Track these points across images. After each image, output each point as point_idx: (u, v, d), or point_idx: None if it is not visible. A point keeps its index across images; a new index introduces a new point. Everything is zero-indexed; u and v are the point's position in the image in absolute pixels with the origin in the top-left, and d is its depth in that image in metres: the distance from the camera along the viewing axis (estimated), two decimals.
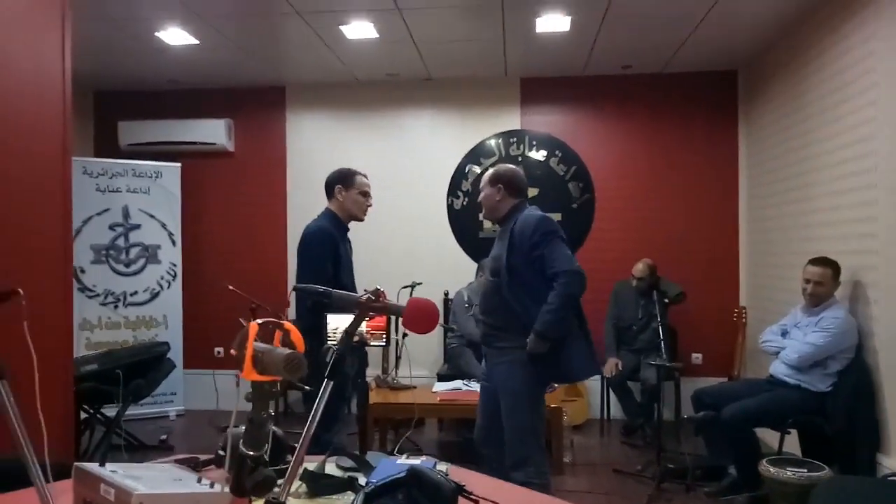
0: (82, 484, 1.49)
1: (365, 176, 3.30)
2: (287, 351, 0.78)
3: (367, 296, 1.26)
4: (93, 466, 1.49)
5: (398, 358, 5.03)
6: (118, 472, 1.47)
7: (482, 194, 3.04)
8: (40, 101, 2.46)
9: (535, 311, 2.77)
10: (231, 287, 4.89)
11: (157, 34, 4.57)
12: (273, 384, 0.79)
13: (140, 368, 4.49)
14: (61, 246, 2.56)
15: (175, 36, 4.61)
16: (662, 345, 4.28)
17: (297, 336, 0.83)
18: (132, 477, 1.45)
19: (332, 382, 1.16)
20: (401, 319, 1.33)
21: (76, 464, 1.50)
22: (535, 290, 2.81)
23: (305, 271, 3.00)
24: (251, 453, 0.80)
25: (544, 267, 2.80)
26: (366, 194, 3.26)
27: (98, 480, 1.45)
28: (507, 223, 2.96)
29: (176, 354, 5.32)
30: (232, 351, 0.81)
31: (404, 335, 4.84)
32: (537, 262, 2.81)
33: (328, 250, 3.01)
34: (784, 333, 3.83)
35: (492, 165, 5.77)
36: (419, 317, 1.30)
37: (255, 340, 0.78)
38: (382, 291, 1.28)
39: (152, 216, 5.74)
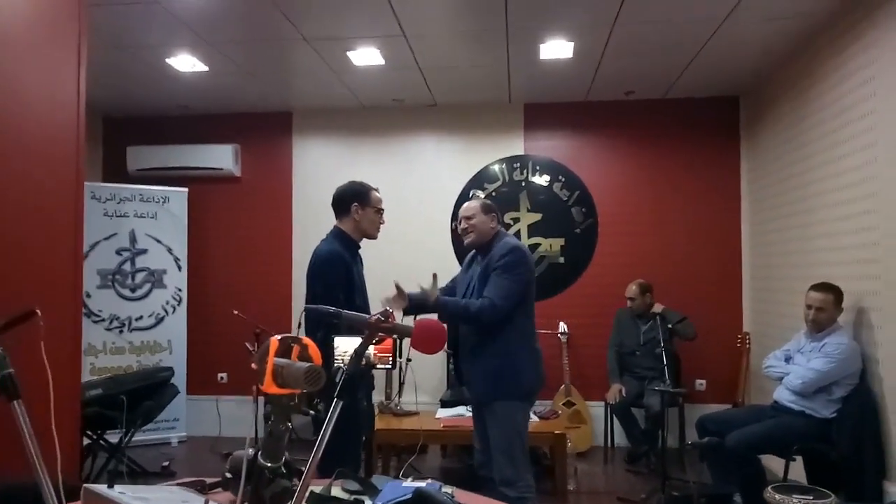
0: None
1: (377, 190, 3.14)
2: (307, 364, 0.80)
3: (376, 316, 1.28)
4: (101, 488, 1.50)
5: (402, 384, 5.03)
6: (126, 494, 1.48)
7: (474, 220, 3.10)
8: (55, 127, 2.50)
9: (508, 328, 2.93)
10: (236, 312, 4.91)
11: (167, 61, 4.66)
12: (291, 398, 0.81)
13: (144, 394, 4.49)
14: (72, 271, 2.58)
15: (185, 63, 4.70)
16: (666, 370, 4.27)
17: (314, 350, 0.85)
18: (140, 499, 1.47)
19: (341, 402, 1.17)
20: (409, 340, 1.35)
21: (85, 485, 1.51)
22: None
23: (315, 296, 2.82)
24: (269, 465, 0.81)
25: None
26: (381, 211, 3.09)
27: (107, 502, 1.46)
28: (487, 247, 3.09)
29: (179, 380, 5.30)
30: (252, 365, 0.83)
31: (408, 360, 4.84)
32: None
33: (340, 275, 2.85)
34: (787, 359, 3.83)
35: (495, 190, 5.87)
36: (428, 337, 1.32)
37: (275, 356, 0.81)
38: (392, 313, 1.30)
39: (159, 241, 5.77)
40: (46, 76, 2.48)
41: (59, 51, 2.53)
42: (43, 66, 2.46)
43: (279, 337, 0.84)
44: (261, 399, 3.86)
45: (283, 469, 0.82)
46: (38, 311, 1.23)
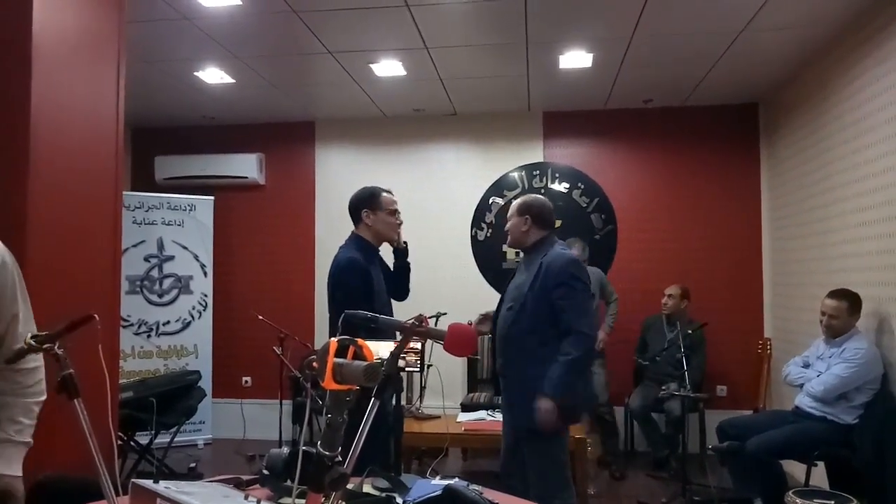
0: (138, 499, 1.59)
1: (389, 192, 3.06)
2: (365, 362, 0.88)
3: (411, 321, 1.36)
4: (148, 483, 1.59)
5: (423, 387, 5.10)
6: (171, 489, 1.57)
7: (509, 223, 2.97)
8: (96, 141, 2.61)
9: (542, 349, 2.75)
10: (260, 317, 5.02)
11: (195, 74, 4.80)
12: (348, 393, 0.90)
13: (173, 397, 4.61)
14: (110, 278, 2.69)
15: (212, 75, 4.83)
16: (686, 376, 4.30)
17: (368, 351, 0.93)
18: (185, 493, 1.55)
19: (378, 402, 1.25)
20: (442, 344, 1.42)
21: (133, 480, 1.60)
22: (543, 327, 2.77)
23: (337, 303, 2.83)
24: (327, 453, 0.90)
25: (558, 313, 2.74)
26: (394, 213, 3.02)
27: (154, 496, 1.55)
28: (534, 254, 2.90)
29: (205, 383, 5.41)
30: (314, 364, 0.92)
31: (429, 366, 4.91)
32: (555, 304, 2.74)
33: (359, 282, 2.82)
34: (806, 365, 3.85)
35: (515, 198, 5.90)
36: (460, 341, 1.39)
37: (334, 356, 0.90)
38: (426, 318, 1.38)
39: (185, 248, 5.91)
40: (89, 92, 2.59)
41: (101, 68, 2.65)
42: (86, 83, 2.58)
43: (337, 339, 0.93)
44: (286, 401, 3.91)
45: (339, 458, 0.90)
46: (95, 316, 1.32)
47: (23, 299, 1.75)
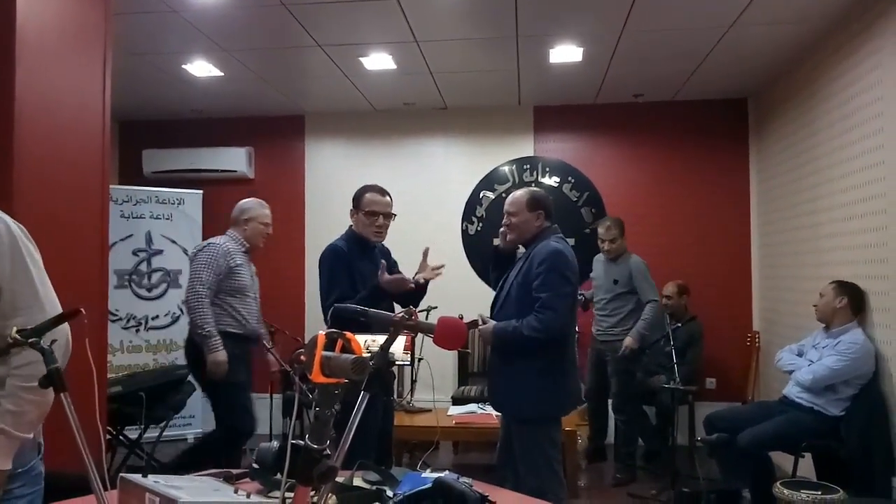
0: (127, 493, 1.59)
1: (382, 193, 3.04)
2: (353, 356, 0.88)
3: (401, 314, 1.36)
4: (136, 477, 1.59)
5: (414, 381, 5.10)
6: (160, 483, 1.57)
7: (517, 219, 2.83)
8: (82, 134, 2.59)
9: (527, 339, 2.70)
10: None
11: (183, 67, 4.76)
12: (336, 386, 0.89)
13: (162, 391, 4.58)
14: (97, 272, 2.68)
15: (201, 68, 4.79)
16: (676, 368, 4.32)
17: (356, 344, 0.93)
18: (174, 487, 1.55)
19: (368, 395, 1.25)
20: (432, 337, 1.42)
21: (121, 475, 1.60)
22: (525, 315, 2.71)
23: (321, 291, 2.98)
24: (316, 447, 0.89)
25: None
26: (372, 214, 2.98)
27: (142, 490, 1.55)
28: (532, 244, 2.84)
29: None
30: (302, 357, 0.92)
31: (419, 359, 4.91)
32: (534, 294, 2.69)
33: (328, 269, 2.91)
34: (800, 353, 3.88)
35: (506, 192, 5.91)
36: (450, 334, 1.39)
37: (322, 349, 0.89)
38: (415, 311, 1.37)
39: (174, 242, 5.87)
40: (74, 85, 2.57)
41: (87, 60, 2.63)
42: (71, 75, 2.56)
43: (325, 332, 0.93)
44: (276, 395, 3.92)
45: (327, 451, 0.90)
46: (82, 310, 1.31)
47: (13, 275, 1.52)
